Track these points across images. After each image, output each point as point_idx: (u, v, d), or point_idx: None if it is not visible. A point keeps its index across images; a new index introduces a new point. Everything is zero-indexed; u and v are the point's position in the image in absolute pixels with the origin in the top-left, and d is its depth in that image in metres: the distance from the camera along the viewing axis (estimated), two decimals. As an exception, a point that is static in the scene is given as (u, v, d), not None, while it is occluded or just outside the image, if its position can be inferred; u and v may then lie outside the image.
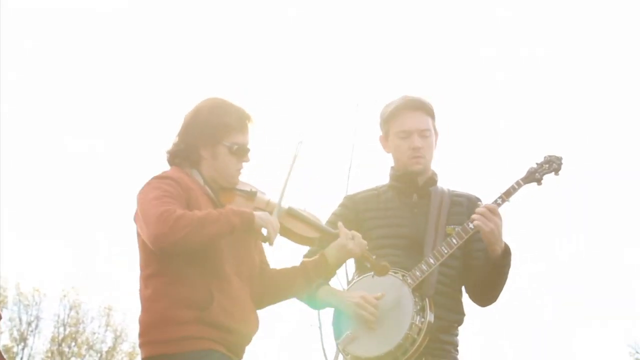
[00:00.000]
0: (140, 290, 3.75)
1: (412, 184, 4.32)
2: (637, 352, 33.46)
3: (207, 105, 3.88)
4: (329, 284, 4.24)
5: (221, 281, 3.71)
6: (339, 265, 3.96)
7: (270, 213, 3.81)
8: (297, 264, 4.00)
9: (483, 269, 4.16)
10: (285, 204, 3.86)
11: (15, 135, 43.65)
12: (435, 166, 4.40)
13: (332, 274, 3.99)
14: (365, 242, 3.93)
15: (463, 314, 4.30)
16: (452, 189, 4.40)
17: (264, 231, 3.68)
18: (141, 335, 3.73)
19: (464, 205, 4.32)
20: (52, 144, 44.69)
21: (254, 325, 3.83)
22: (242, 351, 3.80)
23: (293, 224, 3.87)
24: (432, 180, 4.35)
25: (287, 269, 3.96)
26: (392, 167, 4.41)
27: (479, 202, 4.28)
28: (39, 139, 43.38)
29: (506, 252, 4.11)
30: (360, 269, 4.32)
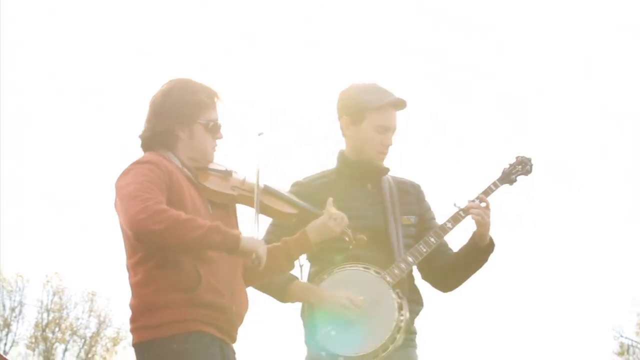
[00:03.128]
0: (129, 277, 3.71)
1: (368, 173, 4.32)
2: (621, 336, 33.64)
3: (176, 86, 3.84)
4: (298, 279, 4.20)
5: (208, 261, 3.67)
6: (320, 242, 3.94)
7: (246, 190, 3.83)
8: (278, 242, 3.97)
9: (462, 257, 4.29)
10: (261, 183, 3.86)
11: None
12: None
13: (312, 251, 3.96)
14: (346, 219, 3.93)
15: (423, 305, 4.36)
16: (392, 174, 4.43)
17: (252, 254, 3.63)
18: (131, 321, 3.70)
19: (412, 194, 4.40)
20: (35, 130, 44.60)
21: (244, 304, 3.81)
22: (235, 331, 3.77)
23: (271, 200, 3.89)
24: (386, 169, 4.37)
25: (269, 247, 3.88)
26: (342, 153, 4.38)
27: (421, 189, 4.44)
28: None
29: (491, 244, 4.27)
30: (315, 260, 4.25)
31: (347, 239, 3.97)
